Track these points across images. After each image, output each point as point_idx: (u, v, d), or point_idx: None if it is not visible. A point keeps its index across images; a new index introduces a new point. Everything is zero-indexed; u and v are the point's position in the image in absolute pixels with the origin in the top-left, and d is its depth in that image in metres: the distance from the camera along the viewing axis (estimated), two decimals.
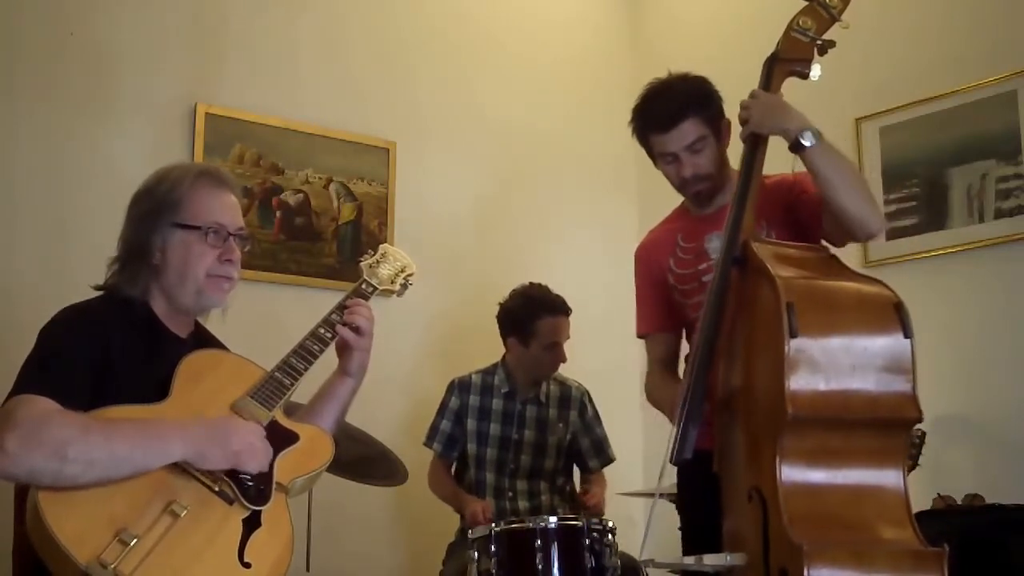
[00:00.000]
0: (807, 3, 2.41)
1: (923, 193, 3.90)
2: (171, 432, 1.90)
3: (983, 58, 3.81)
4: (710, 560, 2.16)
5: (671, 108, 2.51)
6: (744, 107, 2.36)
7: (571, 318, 3.68)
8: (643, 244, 2.79)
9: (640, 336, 2.77)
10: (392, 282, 2.44)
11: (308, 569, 3.16)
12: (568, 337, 3.66)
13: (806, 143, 2.26)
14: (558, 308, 3.63)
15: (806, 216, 2.47)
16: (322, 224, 4.03)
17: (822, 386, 2.03)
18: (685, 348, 2.74)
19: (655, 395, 2.69)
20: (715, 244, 2.49)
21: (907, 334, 2.08)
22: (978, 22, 3.88)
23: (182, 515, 1.84)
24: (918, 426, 3.21)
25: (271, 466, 2.00)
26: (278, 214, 3.93)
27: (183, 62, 3.81)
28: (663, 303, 2.69)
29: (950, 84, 3.86)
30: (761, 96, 2.36)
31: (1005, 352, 3.66)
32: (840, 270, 2.25)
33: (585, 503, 3.50)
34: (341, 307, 2.28)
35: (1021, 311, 3.64)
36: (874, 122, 4.06)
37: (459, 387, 3.72)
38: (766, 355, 2.09)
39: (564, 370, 3.75)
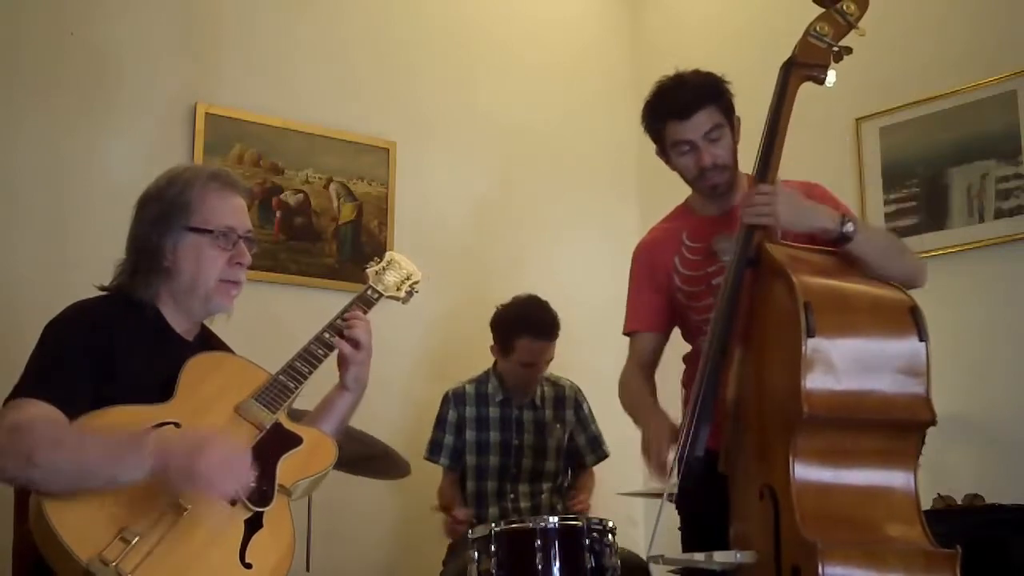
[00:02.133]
0: (824, 10, 2.41)
1: (923, 193, 3.90)
2: (146, 449, 1.82)
3: (983, 58, 3.81)
4: (720, 557, 2.16)
5: (689, 96, 2.49)
6: (761, 203, 2.25)
7: (571, 318, 3.67)
8: (644, 242, 2.77)
9: (628, 333, 2.73)
10: (398, 289, 2.45)
11: (308, 569, 3.16)
12: (550, 358, 3.61)
13: (851, 231, 2.25)
14: (540, 331, 3.56)
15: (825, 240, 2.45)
16: (322, 224, 4.03)
17: (837, 386, 2.04)
18: (673, 350, 2.73)
19: (627, 396, 2.66)
20: (724, 246, 2.47)
21: (922, 337, 2.11)
22: (978, 22, 3.88)
23: (184, 515, 1.84)
24: None
25: (274, 468, 2.00)
26: (278, 214, 3.93)
27: (183, 62, 3.81)
28: (657, 302, 2.67)
29: (950, 84, 3.86)
30: (778, 191, 2.28)
31: (1005, 352, 3.66)
32: (855, 273, 2.25)
33: (573, 511, 3.51)
34: (348, 313, 2.28)
35: (1021, 311, 3.64)
36: (874, 122, 4.06)
37: (454, 399, 3.69)
38: (782, 355, 2.09)
39: (562, 369, 3.75)
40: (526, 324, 3.57)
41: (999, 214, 3.71)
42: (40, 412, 1.85)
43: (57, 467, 1.79)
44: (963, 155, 3.82)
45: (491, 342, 3.71)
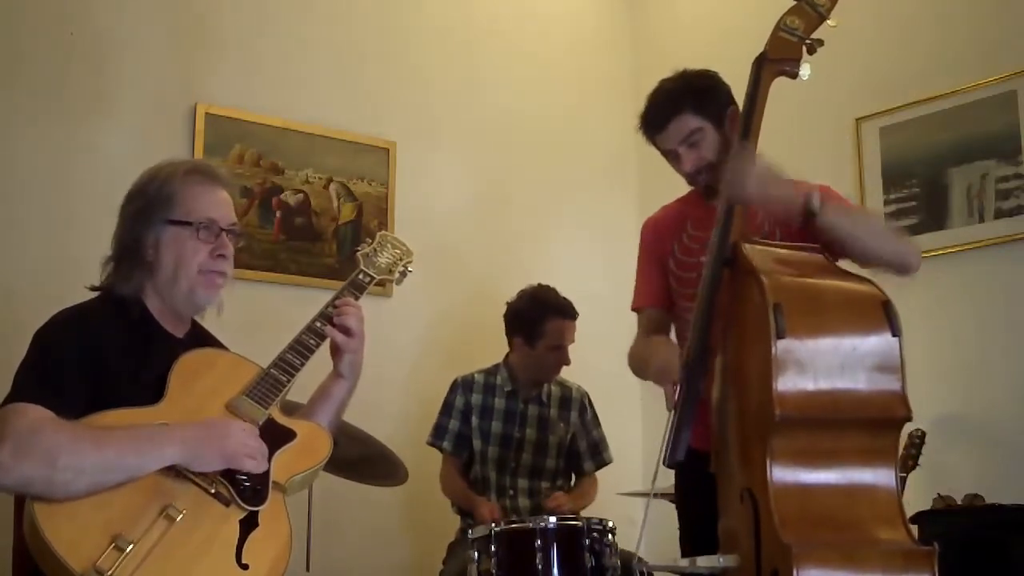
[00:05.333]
0: (795, 2, 2.40)
1: (923, 193, 3.90)
2: (164, 435, 1.89)
3: (983, 58, 3.81)
4: (703, 562, 2.16)
5: (661, 108, 2.53)
6: (731, 172, 2.27)
7: None
8: (653, 219, 2.78)
9: (636, 309, 2.74)
10: (390, 271, 2.41)
11: (308, 569, 3.16)
12: (573, 341, 3.67)
13: (816, 205, 2.23)
14: (566, 312, 3.65)
15: (830, 240, 2.42)
16: (322, 224, 4.03)
17: (810, 386, 2.03)
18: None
19: (635, 359, 2.63)
20: None
21: (895, 332, 2.08)
22: (978, 22, 3.88)
23: (178, 519, 1.83)
24: (918, 426, 3.24)
25: (268, 465, 1.99)
26: (278, 214, 3.94)
27: (183, 62, 3.81)
28: (661, 281, 2.68)
29: (950, 84, 3.86)
30: (748, 165, 2.28)
31: (1005, 352, 3.66)
32: (830, 270, 2.24)
33: (545, 507, 3.51)
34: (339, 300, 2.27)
35: (1021, 311, 3.64)
36: (874, 122, 4.05)
37: (463, 386, 3.72)
38: (754, 356, 2.09)
39: (564, 370, 3.75)
40: (552, 307, 3.65)
41: (999, 214, 3.71)
42: (41, 416, 1.84)
43: (82, 467, 1.79)
44: (963, 155, 3.82)
45: (501, 341, 3.73)
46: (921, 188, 3.91)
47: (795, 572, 1.89)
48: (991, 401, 3.65)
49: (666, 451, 2.19)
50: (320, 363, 2.24)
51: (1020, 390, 3.58)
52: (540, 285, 3.73)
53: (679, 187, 2.72)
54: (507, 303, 3.74)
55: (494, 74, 4.60)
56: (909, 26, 4.04)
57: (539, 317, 3.63)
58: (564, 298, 3.68)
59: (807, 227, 2.28)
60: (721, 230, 2.28)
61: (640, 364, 2.61)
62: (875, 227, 2.37)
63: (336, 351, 2.24)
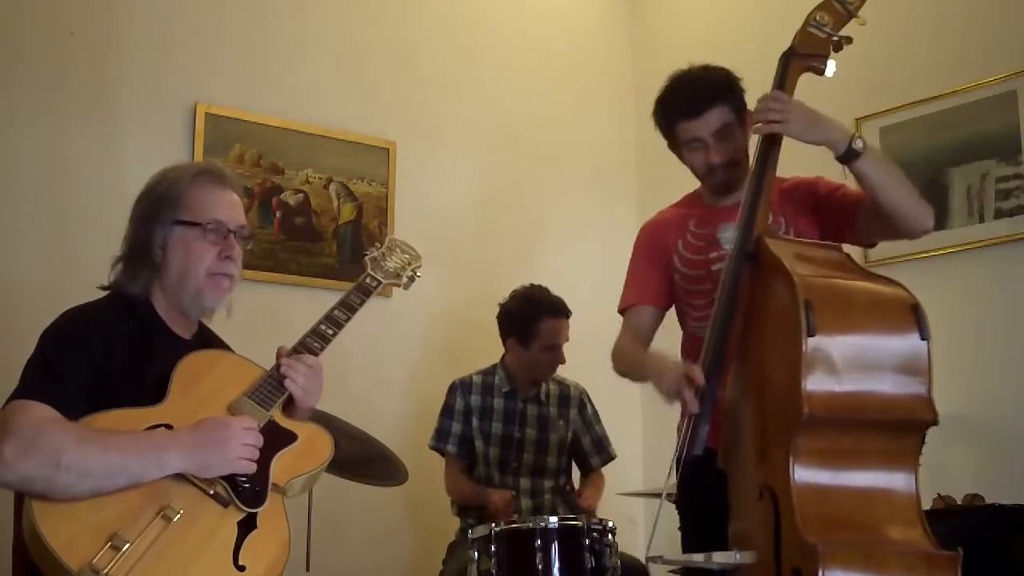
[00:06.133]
0: None
1: (923, 193, 3.85)
2: (168, 442, 1.89)
3: (983, 58, 3.80)
4: (719, 558, 2.14)
5: (700, 95, 2.50)
6: (773, 108, 2.29)
7: (571, 318, 3.68)
8: (651, 222, 2.76)
9: (623, 308, 2.70)
10: (398, 276, 2.41)
11: (308, 569, 3.16)
12: (567, 339, 3.67)
13: (859, 149, 2.25)
14: (558, 310, 3.64)
15: (836, 217, 2.46)
16: (322, 224, 4.03)
17: (838, 387, 2.01)
18: (671, 333, 2.72)
19: (623, 359, 2.61)
20: (728, 235, 2.46)
21: (924, 336, 2.07)
22: (978, 22, 3.88)
23: (175, 519, 1.83)
24: None
25: (267, 467, 1.99)
26: (278, 214, 3.94)
27: (183, 62, 3.81)
28: (657, 279, 2.66)
29: (950, 84, 3.86)
30: (792, 101, 2.30)
31: (1005, 352, 3.66)
32: (856, 269, 2.23)
33: (579, 505, 3.51)
34: (344, 303, 2.27)
35: (1021, 311, 3.64)
36: (874, 122, 4.05)
37: (461, 388, 3.72)
38: (781, 354, 2.07)
39: (563, 370, 3.75)
40: (544, 306, 3.64)
41: (999, 214, 3.71)
42: (46, 415, 1.84)
43: (85, 469, 1.79)
44: (963, 155, 3.81)
45: (499, 340, 3.73)
46: (921, 188, 3.87)
47: (821, 572, 1.88)
48: (991, 401, 3.65)
49: (683, 447, 2.19)
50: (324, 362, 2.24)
51: (1020, 390, 3.58)
52: (532, 285, 3.72)
53: (678, 186, 2.71)
54: (499, 305, 3.74)
55: (494, 74, 4.60)
56: (909, 26, 4.04)
57: (532, 317, 3.63)
58: (556, 297, 3.67)
59: (845, 162, 2.29)
60: (744, 224, 2.27)
61: (632, 366, 2.58)
62: (904, 182, 2.38)
63: (291, 402, 2.16)
